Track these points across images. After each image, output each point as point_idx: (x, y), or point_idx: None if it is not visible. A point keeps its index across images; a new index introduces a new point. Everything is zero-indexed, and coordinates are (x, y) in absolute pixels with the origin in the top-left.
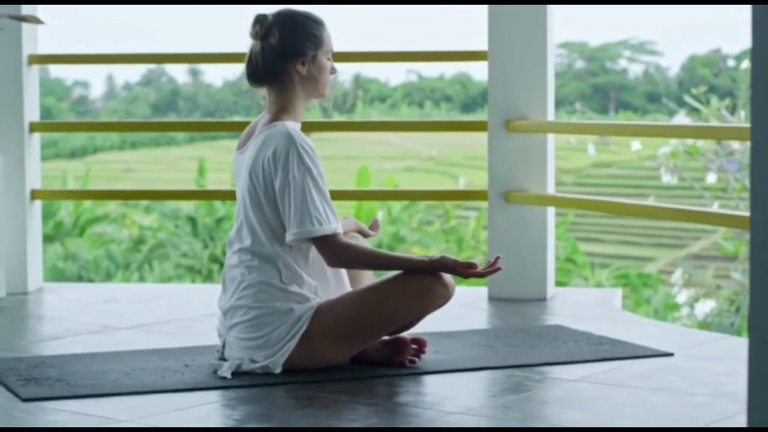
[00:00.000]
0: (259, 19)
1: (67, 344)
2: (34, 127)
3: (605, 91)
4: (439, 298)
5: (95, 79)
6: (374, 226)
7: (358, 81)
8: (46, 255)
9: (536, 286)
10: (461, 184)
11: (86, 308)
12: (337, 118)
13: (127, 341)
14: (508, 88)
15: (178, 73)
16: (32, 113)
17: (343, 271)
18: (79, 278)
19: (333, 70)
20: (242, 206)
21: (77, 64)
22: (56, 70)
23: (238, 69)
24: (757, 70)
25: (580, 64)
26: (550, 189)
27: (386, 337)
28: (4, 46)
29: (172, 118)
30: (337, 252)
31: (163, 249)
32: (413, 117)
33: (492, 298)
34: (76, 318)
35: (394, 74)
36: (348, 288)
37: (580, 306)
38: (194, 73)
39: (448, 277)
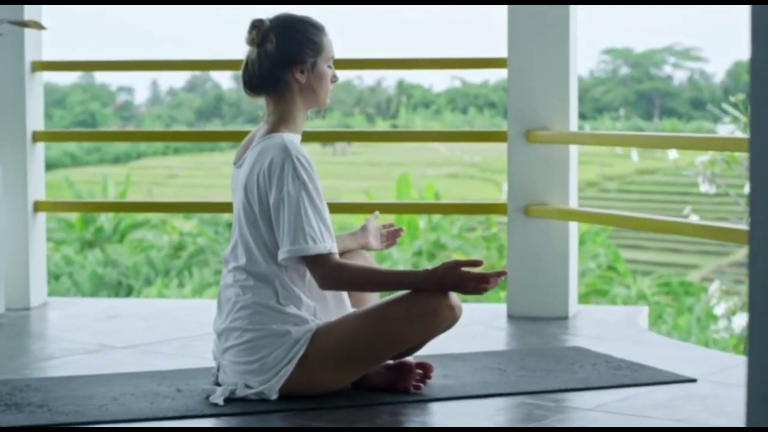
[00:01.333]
0: (256, 25)
1: (59, 365)
2: (37, 137)
3: (650, 98)
4: (444, 320)
5: (140, 85)
6: (390, 236)
7: (401, 87)
8: (86, 261)
9: (558, 304)
10: (504, 191)
11: (86, 325)
12: (381, 124)
13: (122, 362)
14: (529, 96)
15: (223, 78)
16: (36, 122)
17: (345, 293)
18: (119, 284)
19: (334, 78)
20: (237, 223)
21: (81, 71)
22: (101, 76)
23: None
24: (756, 79)
25: (624, 71)
26: (573, 203)
27: (390, 361)
28: (5, 52)
29: (215, 123)
30: (329, 273)
31: (203, 255)
32: (456, 123)
33: (511, 317)
34: (74, 336)
35: (438, 80)
36: (349, 309)
37: (603, 325)
38: (238, 79)
39: (455, 299)
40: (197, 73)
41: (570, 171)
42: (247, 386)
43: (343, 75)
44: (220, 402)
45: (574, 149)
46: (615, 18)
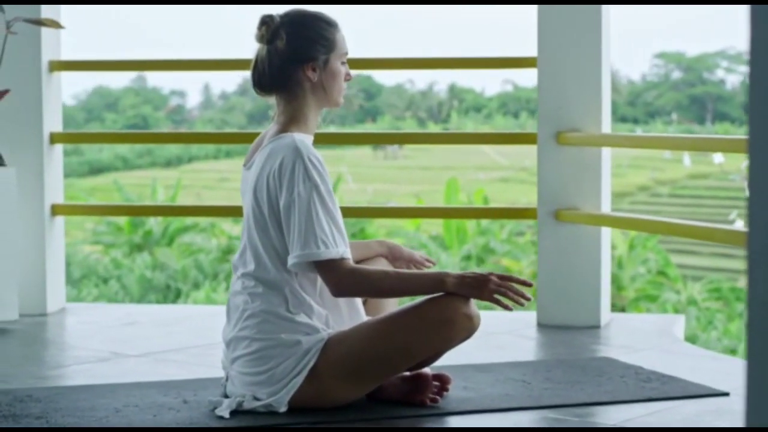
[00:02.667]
0: (265, 21)
1: (67, 374)
2: (55, 138)
3: (702, 102)
4: (461, 331)
5: (192, 89)
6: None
7: (453, 91)
8: (135, 264)
9: (589, 312)
10: None
11: (101, 332)
12: (432, 128)
13: (132, 371)
14: (559, 97)
15: None
16: (53, 123)
17: (358, 299)
18: (167, 288)
19: (348, 77)
20: (246, 227)
21: (101, 71)
22: (153, 79)
23: None
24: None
25: (677, 75)
26: (605, 207)
27: (407, 372)
28: (21, 51)
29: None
30: (342, 279)
31: None
32: (508, 127)
33: (541, 325)
34: (86, 344)
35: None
36: (364, 317)
37: (636, 335)
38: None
39: (473, 307)
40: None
41: (602, 174)
42: (255, 398)
43: (392, 78)
44: (226, 415)
45: (606, 152)
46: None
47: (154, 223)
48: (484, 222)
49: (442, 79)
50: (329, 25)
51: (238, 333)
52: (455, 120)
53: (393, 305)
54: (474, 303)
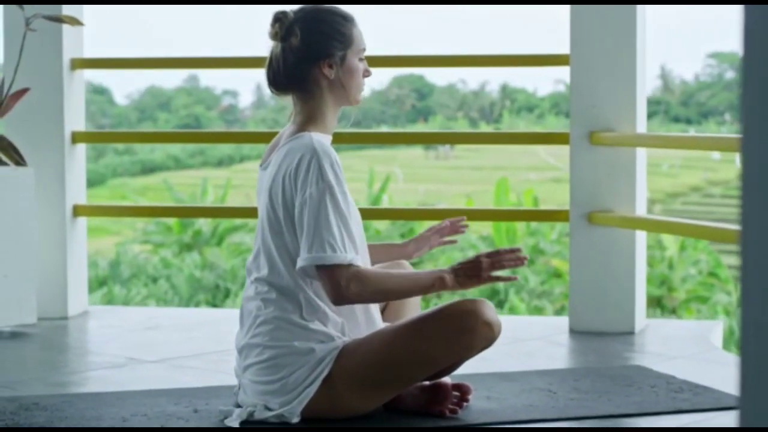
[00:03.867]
0: (279, 17)
1: (79, 381)
2: (77, 138)
3: None
4: (481, 339)
5: (244, 88)
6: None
7: (505, 91)
8: (184, 264)
9: (623, 318)
10: None
11: (120, 337)
12: (484, 128)
13: (147, 378)
14: (593, 95)
15: None
16: (76, 122)
17: (375, 307)
18: (216, 287)
19: (366, 73)
20: (260, 230)
21: (122, 69)
22: (206, 79)
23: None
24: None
25: (730, 75)
26: (640, 210)
27: (426, 382)
28: (42, 49)
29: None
30: (348, 284)
31: None
32: (560, 127)
33: (573, 331)
34: (104, 349)
35: (542, 84)
36: (380, 325)
37: (671, 342)
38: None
39: (492, 314)
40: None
41: (637, 175)
42: (267, 408)
43: (444, 78)
44: (236, 425)
45: (641, 152)
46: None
47: (203, 222)
48: (534, 222)
49: (494, 79)
50: (345, 20)
51: (250, 340)
52: (507, 120)
53: (413, 312)
54: (494, 310)
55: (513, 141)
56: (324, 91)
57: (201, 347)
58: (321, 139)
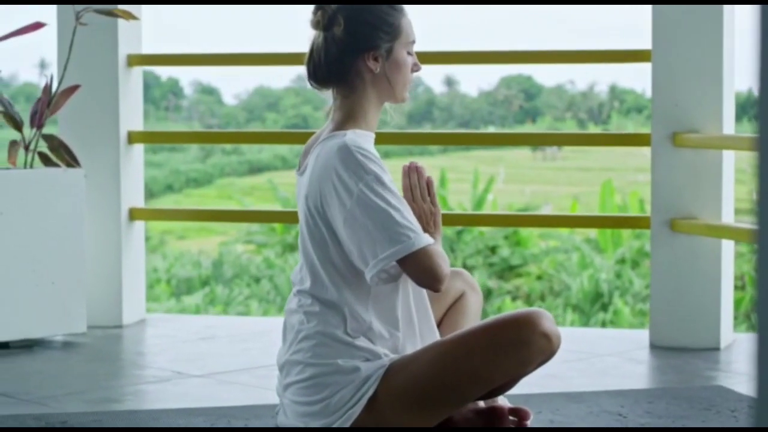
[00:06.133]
0: (322, 5)
1: (118, 396)
2: (133, 137)
3: None
4: (538, 353)
5: None
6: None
7: (613, 92)
8: (287, 264)
9: (708, 333)
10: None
11: (172, 348)
12: (592, 129)
13: (189, 395)
14: (676, 94)
15: (435, 82)
16: (132, 121)
17: (432, 318)
18: None
19: (415, 67)
20: (301, 240)
21: (180, 66)
22: None
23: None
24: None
25: None
26: (726, 217)
27: (481, 403)
28: (96, 44)
29: (426, 128)
30: (435, 264)
31: None
32: None
33: (654, 347)
34: (151, 361)
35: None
36: (437, 336)
37: None
38: (450, 83)
39: (550, 325)
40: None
41: (723, 180)
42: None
43: (552, 79)
44: None
45: (728, 155)
46: None
47: None
48: None
49: (602, 80)
50: (393, 9)
51: (291, 356)
52: (615, 121)
53: (470, 324)
54: (553, 320)
55: (591, 142)
56: (367, 86)
57: (253, 360)
58: (357, 138)
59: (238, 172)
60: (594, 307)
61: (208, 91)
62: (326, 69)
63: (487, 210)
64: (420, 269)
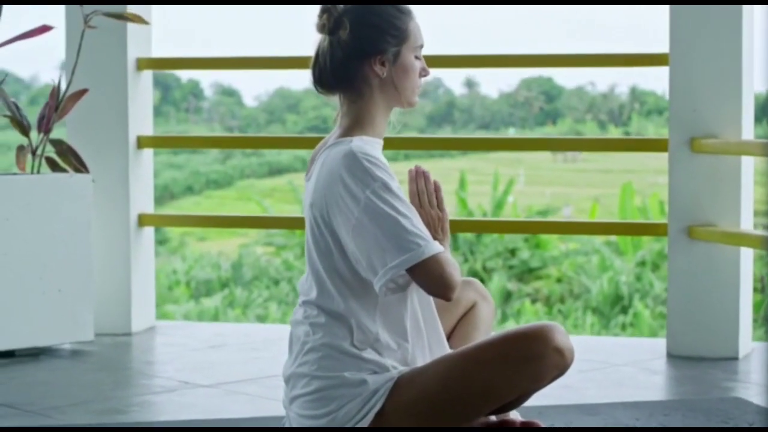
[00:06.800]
0: (327, 8)
1: (123, 408)
2: (142, 142)
3: None
4: (550, 368)
5: None
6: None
7: (634, 93)
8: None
9: (726, 342)
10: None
11: (181, 357)
12: (613, 131)
13: (195, 406)
14: (694, 98)
15: (455, 84)
16: (142, 126)
17: (441, 330)
18: None
19: (423, 72)
20: (307, 248)
21: (190, 69)
22: None
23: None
24: None
25: None
26: (745, 224)
27: (492, 417)
28: (105, 48)
29: (446, 130)
30: (447, 273)
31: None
32: None
33: (671, 356)
34: (159, 370)
35: None
36: (447, 350)
37: None
38: (470, 85)
39: (563, 339)
40: (430, 78)
41: (742, 186)
42: None
43: (573, 80)
44: None
45: (747, 161)
46: None
47: None
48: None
49: (623, 82)
50: (401, 12)
51: (297, 369)
52: (636, 123)
53: (482, 337)
54: (566, 334)
55: (608, 148)
56: (374, 91)
57: (262, 370)
58: (363, 144)
59: (258, 173)
60: (614, 309)
61: (229, 93)
62: (332, 74)
63: (506, 212)
64: (431, 278)
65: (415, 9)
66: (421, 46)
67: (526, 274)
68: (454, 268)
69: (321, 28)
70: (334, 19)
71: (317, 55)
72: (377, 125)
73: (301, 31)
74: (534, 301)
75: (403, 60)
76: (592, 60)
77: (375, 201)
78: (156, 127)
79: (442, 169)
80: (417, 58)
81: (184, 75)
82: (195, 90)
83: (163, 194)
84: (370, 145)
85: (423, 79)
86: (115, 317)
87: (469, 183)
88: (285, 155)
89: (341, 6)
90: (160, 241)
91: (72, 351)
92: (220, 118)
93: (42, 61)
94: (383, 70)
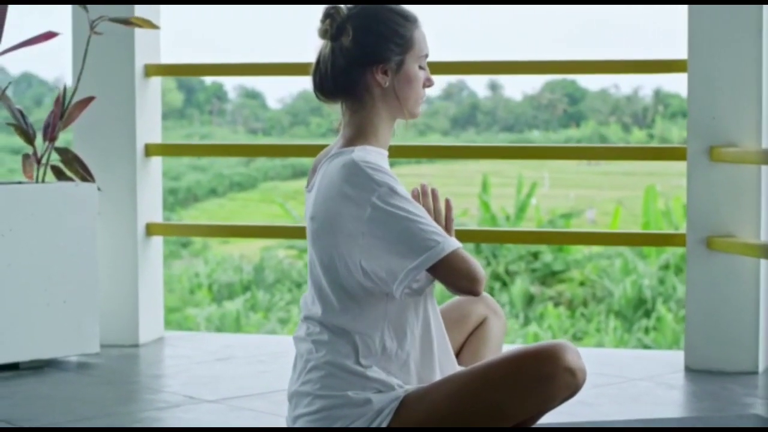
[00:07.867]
0: (330, 13)
1: (125, 424)
2: (150, 150)
3: None
4: (562, 389)
5: None
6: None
7: (658, 96)
8: None
9: (746, 356)
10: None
11: (187, 369)
12: (637, 134)
13: (198, 422)
14: (713, 106)
15: (478, 86)
16: (150, 133)
17: (450, 347)
18: None
19: (428, 82)
20: (309, 262)
21: (200, 76)
22: None
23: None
24: None
25: None
26: (766, 235)
27: None
28: (112, 54)
29: (470, 132)
30: (471, 268)
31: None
32: None
33: (689, 370)
34: (165, 383)
35: None
36: (456, 368)
37: None
38: (494, 87)
39: (575, 359)
40: (453, 80)
41: (762, 196)
42: None
43: (597, 83)
44: None
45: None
46: None
47: None
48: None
49: (647, 84)
50: (406, 20)
51: (300, 387)
52: (659, 125)
53: (492, 354)
54: (578, 354)
55: (625, 156)
56: (376, 101)
57: (269, 384)
58: (365, 153)
59: (282, 175)
60: (637, 313)
61: (253, 96)
62: (333, 81)
63: (530, 215)
64: (455, 273)
65: (432, 10)
66: (426, 56)
67: (548, 277)
68: (477, 263)
69: (323, 34)
70: (337, 25)
71: (318, 61)
72: (380, 135)
73: (305, 35)
74: (557, 305)
75: (406, 69)
76: (610, 67)
77: (383, 206)
78: (180, 129)
79: (465, 172)
80: (421, 68)
81: (208, 77)
82: (219, 92)
83: (187, 197)
84: (373, 155)
85: (427, 90)
86: (122, 328)
87: (493, 186)
88: (302, 159)
89: (345, 11)
90: (183, 244)
91: (77, 363)
92: (243, 120)
93: (67, 64)
94: (386, 79)
